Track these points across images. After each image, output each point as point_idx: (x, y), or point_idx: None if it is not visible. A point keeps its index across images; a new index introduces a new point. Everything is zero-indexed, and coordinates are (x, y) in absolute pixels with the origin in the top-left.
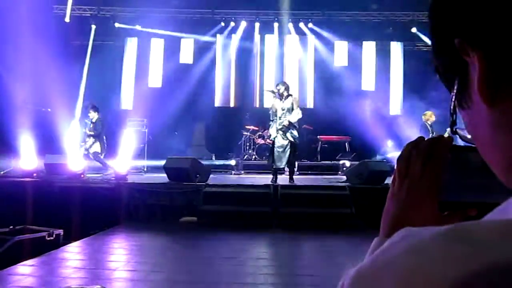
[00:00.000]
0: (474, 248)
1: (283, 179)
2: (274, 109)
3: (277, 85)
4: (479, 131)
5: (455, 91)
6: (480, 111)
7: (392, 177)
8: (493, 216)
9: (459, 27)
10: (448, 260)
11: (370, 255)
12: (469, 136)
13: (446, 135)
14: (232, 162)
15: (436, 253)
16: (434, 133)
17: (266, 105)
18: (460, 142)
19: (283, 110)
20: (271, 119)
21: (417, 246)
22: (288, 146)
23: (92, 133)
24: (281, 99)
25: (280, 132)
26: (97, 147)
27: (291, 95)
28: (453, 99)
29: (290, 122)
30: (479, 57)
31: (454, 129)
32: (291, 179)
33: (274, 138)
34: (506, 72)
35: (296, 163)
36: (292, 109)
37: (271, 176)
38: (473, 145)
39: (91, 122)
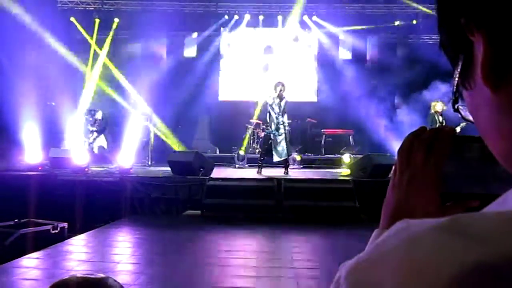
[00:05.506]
0: (470, 241)
1: (285, 173)
2: (272, 109)
3: (278, 84)
4: (481, 113)
5: (459, 69)
6: (482, 94)
7: (393, 168)
8: (492, 207)
9: (465, 6)
10: (443, 253)
11: (369, 246)
12: (471, 117)
13: (458, 129)
14: (241, 152)
15: (432, 246)
16: (444, 122)
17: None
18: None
19: (279, 107)
20: (269, 119)
21: (413, 239)
22: (283, 140)
23: (96, 128)
24: (280, 98)
25: (276, 129)
26: (101, 141)
27: (284, 97)
28: (456, 77)
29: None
30: (483, 38)
31: (456, 107)
32: (286, 171)
33: (272, 134)
34: (510, 55)
35: (297, 157)
36: (285, 110)
37: (274, 169)
38: (476, 136)
39: (96, 120)
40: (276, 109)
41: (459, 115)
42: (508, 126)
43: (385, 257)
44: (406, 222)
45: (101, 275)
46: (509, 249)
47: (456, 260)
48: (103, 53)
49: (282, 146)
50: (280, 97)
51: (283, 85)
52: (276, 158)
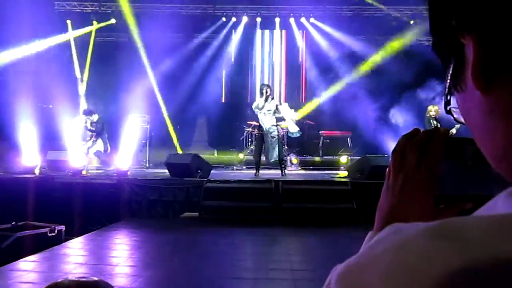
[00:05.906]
0: (459, 245)
1: (282, 174)
2: (260, 111)
3: (263, 87)
4: (472, 116)
5: (450, 71)
6: (473, 96)
7: (387, 170)
8: (483, 211)
9: (456, 8)
10: (432, 257)
11: (361, 250)
12: (462, 119)
13: (454, 130)
14: (240, 156)
15: (420, 250)
16: (439, 126)
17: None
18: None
19: (268, 111)
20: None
21: (403, 242)
22: (276, 141)
23: (93, 128)
24: (266, 101)
25: (268, 131)
26: (99, 146)
27: (273, 98)
28: (448, 79)
29: (276, 120)
30: (474, 41)
31: (448, 109)
32: (283, 173)
33: (265, 136)
34: (501, 58)
35: (294, 160)
36: (275, 111)
37: (272, 171)
38: (469, 137)
39: (92, 122)
40: (265, 111)
41: (452, 117)
42: (498, 128)
43: (375, 261)
44: (396, 226)
45: (94, 278)
46: (498, 252)
47: (443, 264)
48: (100, 54)
49: (274, 148)
50: (267, 99)
51: (268, 86)
52: (266, 160)
